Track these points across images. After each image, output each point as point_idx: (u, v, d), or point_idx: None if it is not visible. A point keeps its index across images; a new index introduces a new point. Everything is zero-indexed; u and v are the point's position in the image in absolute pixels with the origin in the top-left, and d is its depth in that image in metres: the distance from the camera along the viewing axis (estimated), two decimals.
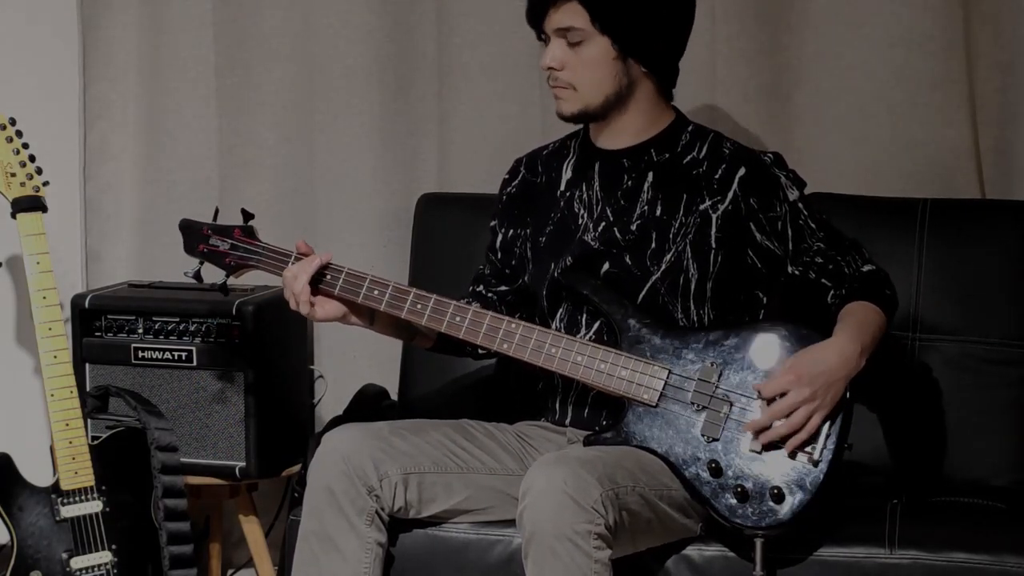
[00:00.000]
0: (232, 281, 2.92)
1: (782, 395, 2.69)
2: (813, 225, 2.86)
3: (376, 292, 2.83)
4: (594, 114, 2.87)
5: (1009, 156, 3.34)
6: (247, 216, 2.91)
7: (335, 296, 2.84)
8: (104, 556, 3.08)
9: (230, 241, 2.90)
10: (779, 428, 2.70)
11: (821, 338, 2.74)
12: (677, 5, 2.85)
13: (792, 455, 2.71)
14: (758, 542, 2.69)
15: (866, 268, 2.86)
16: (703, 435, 2.74)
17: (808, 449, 2.71)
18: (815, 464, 2.70)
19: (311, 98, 3.65)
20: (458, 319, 2.82)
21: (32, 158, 3.12)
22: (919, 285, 3.15)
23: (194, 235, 2.93)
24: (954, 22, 3.30)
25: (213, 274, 2.92)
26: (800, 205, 2.86)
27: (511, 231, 3.04)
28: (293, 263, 2.85)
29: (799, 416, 2.68)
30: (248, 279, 3.02)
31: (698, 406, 2.75)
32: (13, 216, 3.09)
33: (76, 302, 3.41)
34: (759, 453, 2.71)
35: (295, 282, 2.82)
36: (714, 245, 2.85)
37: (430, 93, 3.60)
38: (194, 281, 2.92)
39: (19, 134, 3.11)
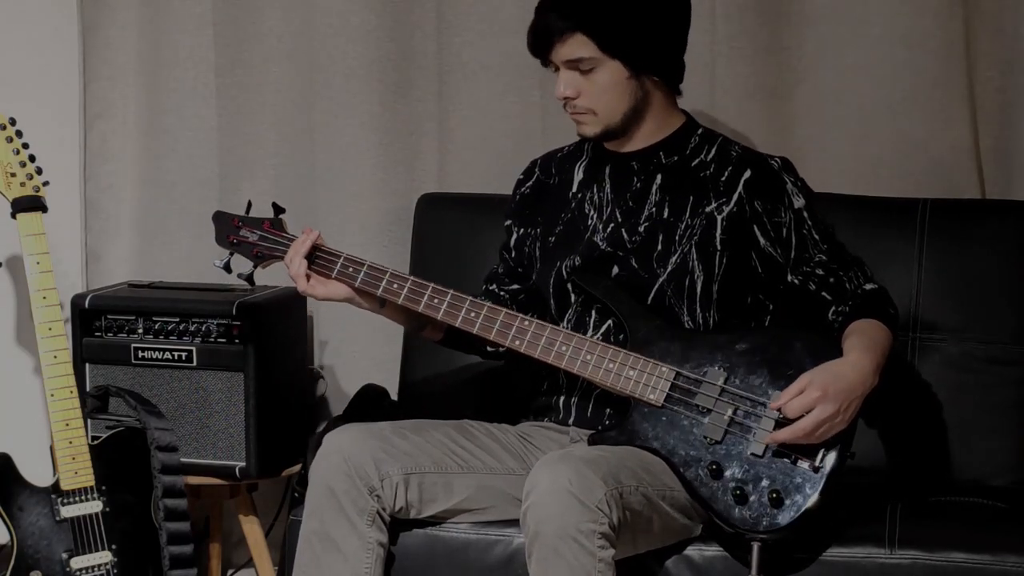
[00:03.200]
0: (259, 272, 2.96)
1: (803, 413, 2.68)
2: (817, 236, 2.86)
3: (396, 286, 2.86)
4: (616, 131, 2.89)
5: (1009, 156, 3.35)
6: (278, 210, 2.95)
7: (355, 288, 2.87)
8: (104, 556, 3.08)
9: (259, 233, 2.94)
10: (795, 443, 2.69)
11: (828, 344, 2.74)
12: (675, 10, 2.85)
13: (794, 461, 2.70)
14: (755, 546, 2.68)
15: (868, 286, 2.86)
16: (706, 437, 2.74)
17: (810, 455, 2.71)
18: (816, 471, 2.70)
19: (311, 98, 3.65)
20: (472, 315, 2.84)
21: (32, 158, 3.11)
22: (919, 285, 3.15)
23: (225, 226, 2.97)
24: (954, 22, 3.30)
25: (242, 265, 2.97)
26: (805, 214, 2.86)
27: (522, 230, 3.05)
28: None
29: (819, 434, 2.67)
30: (268, 276, 3.05)
31: (703, 408, 2.75)
32: (13, 216, 3.09)
33: (76, 302, 3.40)
34: (760, 457, 2.71)
35: (291, 265, 2.87)
36: (719, 247, 2.85)
37: (430, 93, 3.59)
38: (224, 271, 2.97)
39: (19, 134, 3.11)
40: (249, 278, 2.95)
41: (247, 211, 2.98)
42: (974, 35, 3.31)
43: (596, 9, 2.79)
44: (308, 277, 2.88)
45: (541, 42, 2.83)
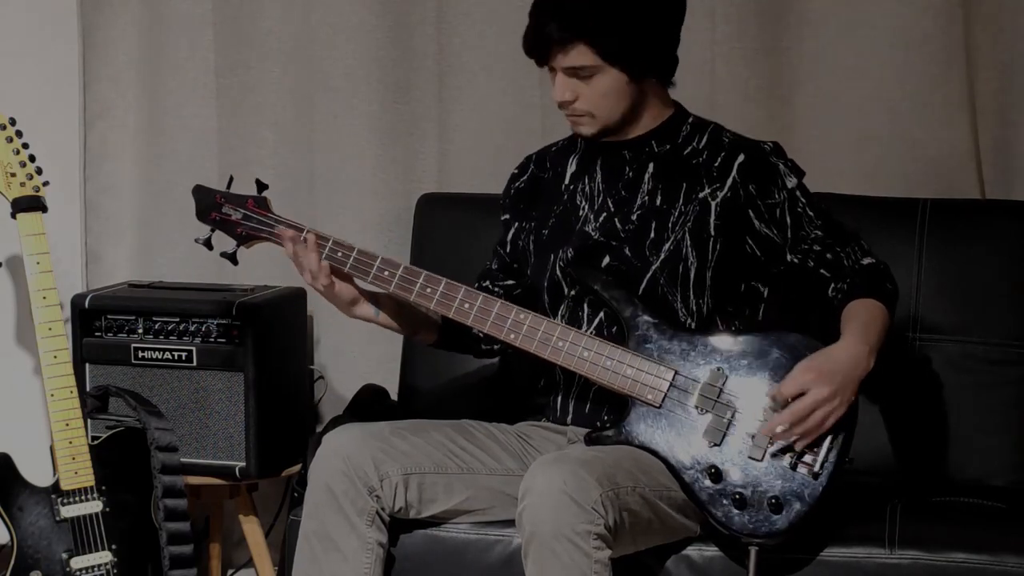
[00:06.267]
0: (243, 251, 2.88)
1: (797, 395, 2.68)
2: (812, 213, 2.86)
3: (387, 273, 2.82)
4: (614, 129, 2.88)
5: (1009, 156, 3.35)
6: (261, 186, 2.87)
7: (345, 272, 2.83)
8: (104, 556, 3.08)
9: (243, 211, 2.86)
10: (794, 430, 2.68)
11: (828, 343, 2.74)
12: (672, 13, 2.84)
13: (793, 466, 2.70)
14: (752, 551, 2.68)
15: (866, 261, 2.85)
16: (705, 439, 2.73)
17: (809, 460, 2.70)
18: (815, 476, 2.69)
19: (311, 98, 3.65)
20: (467, 305, 2.81)
21: (32, 158, 3.11)
22: (919, 285, 3.16)
23: (207, 201, 2.87)
24: (954, 22, 3.30)
25: (224, 243, 2.88)
26: (798, 193, 2.86)
27: (516, 224, 3.04)
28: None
29: (817, 417, 2.67)
30: (251, 277, 3.03)
31: (702, 410, 2.75)
32: (13, 216, 3.09)
33: (76, 302, 3.41)
34: (759, 461, 2.70)
35: (307, 262, 2.80)
36: (713, 233, 2.85)
37: (430, 93, 3.60)
38: (205, 247, 2.87)
39: (19, 134, 3.11)
40: (232, 257, 2.87)
41: (228, 186, 2.89)
42: (974, 36, 3.32)
43: (598, 19, 2.75)
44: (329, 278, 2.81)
45: (540, 49, 2.81)
